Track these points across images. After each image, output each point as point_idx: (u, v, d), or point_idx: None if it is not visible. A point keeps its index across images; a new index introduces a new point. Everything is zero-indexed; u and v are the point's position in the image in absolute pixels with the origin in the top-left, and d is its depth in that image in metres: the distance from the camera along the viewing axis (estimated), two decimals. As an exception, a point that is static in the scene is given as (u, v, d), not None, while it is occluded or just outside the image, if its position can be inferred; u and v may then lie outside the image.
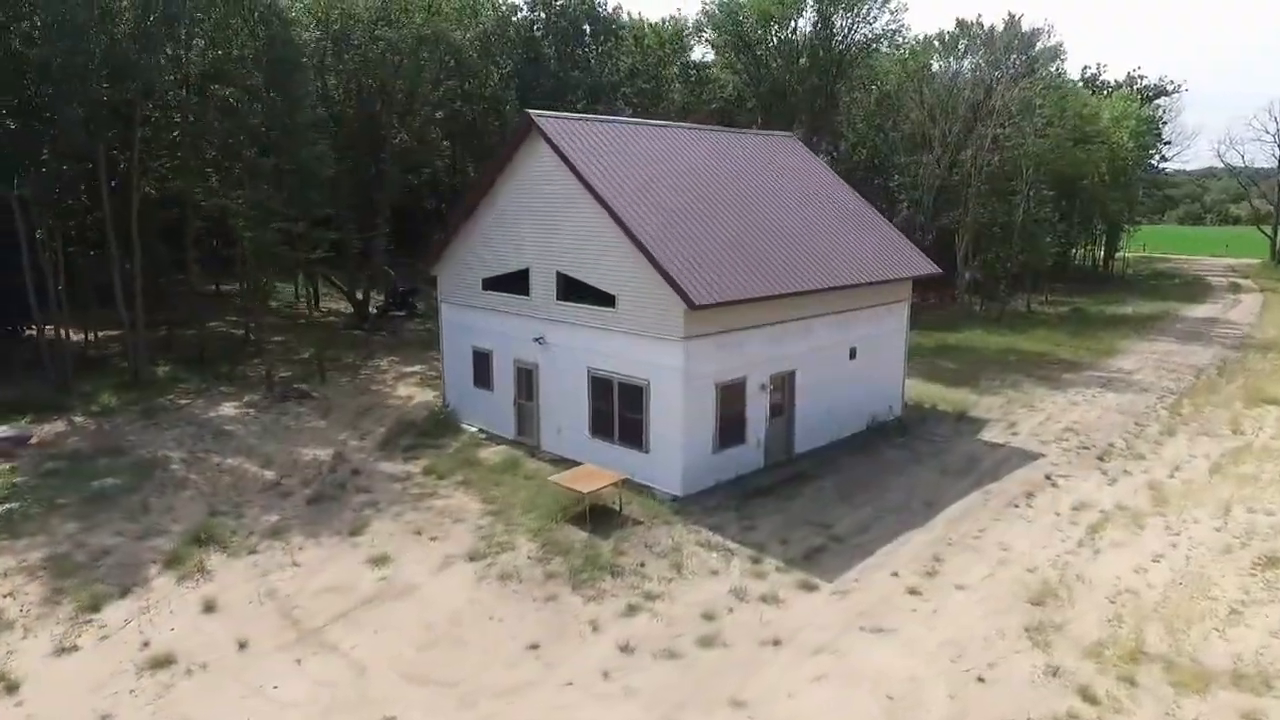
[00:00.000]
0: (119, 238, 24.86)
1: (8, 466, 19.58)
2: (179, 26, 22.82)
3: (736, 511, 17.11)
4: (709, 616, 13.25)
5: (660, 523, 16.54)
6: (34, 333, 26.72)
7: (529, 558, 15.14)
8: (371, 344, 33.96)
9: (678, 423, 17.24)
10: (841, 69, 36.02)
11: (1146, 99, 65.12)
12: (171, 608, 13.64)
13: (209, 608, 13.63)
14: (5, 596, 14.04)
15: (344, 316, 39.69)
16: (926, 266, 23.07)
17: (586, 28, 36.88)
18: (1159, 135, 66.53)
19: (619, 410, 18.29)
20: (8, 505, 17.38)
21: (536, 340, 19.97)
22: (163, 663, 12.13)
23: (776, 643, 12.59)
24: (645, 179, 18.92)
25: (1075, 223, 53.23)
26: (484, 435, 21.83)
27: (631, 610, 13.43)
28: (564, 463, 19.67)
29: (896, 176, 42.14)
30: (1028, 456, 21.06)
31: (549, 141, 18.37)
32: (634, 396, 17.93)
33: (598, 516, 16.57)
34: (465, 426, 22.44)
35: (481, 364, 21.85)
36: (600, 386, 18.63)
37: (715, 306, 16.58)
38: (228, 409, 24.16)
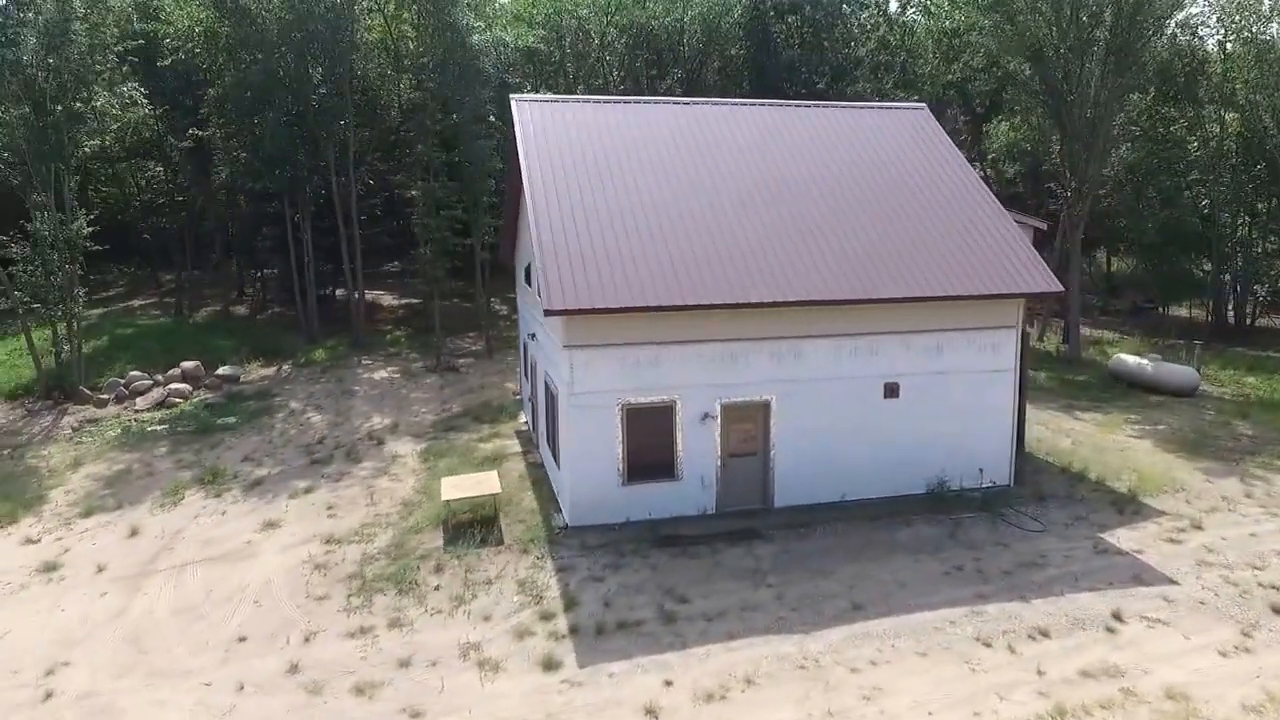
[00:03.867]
0: (345, 221, 30.07)
1: (201, 398, 25.41)
2: (345, 40, 26.54)
3: (611, 557, 14.58)
4: (404, 664, 11.81)
5: (519, 549, 14.96)
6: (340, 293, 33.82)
7: (364, 554, 15.02)
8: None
9: (568, 443, 15.29)
10: (1139, 14, 26.08)
11: None
12: (116, 528, 16.69)
13: (133, 533, 16.35)
14: (67, 493, 18.59)
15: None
16: (1040, 283, 16.35)
17: (845, 6, 32.58)
18: None
19: (550, 420, 16.85)
20: (156, 426, 22.71)
21: (530, 336, 19.25)
22: (50, 568, 15.00)
23: (417, 715, 10.79)
24: (612, 165, 16.80)
25: None
26: (526, 427, 21.76)
27: (361, 633, 12.58)
28: (540, 466, 18.83)
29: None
30: (1139, 578, 13.93)
31: (517, 123, 17.45)
32: (552, 407, 16.35)
33: (479, 528, 15.60)
34: (522, 416, 22.59)
35: (525, 356, 21.73)
36: (547, 391, 17.33)
37: (588, 313, 14.22)
38: (382, 373, 27.78)
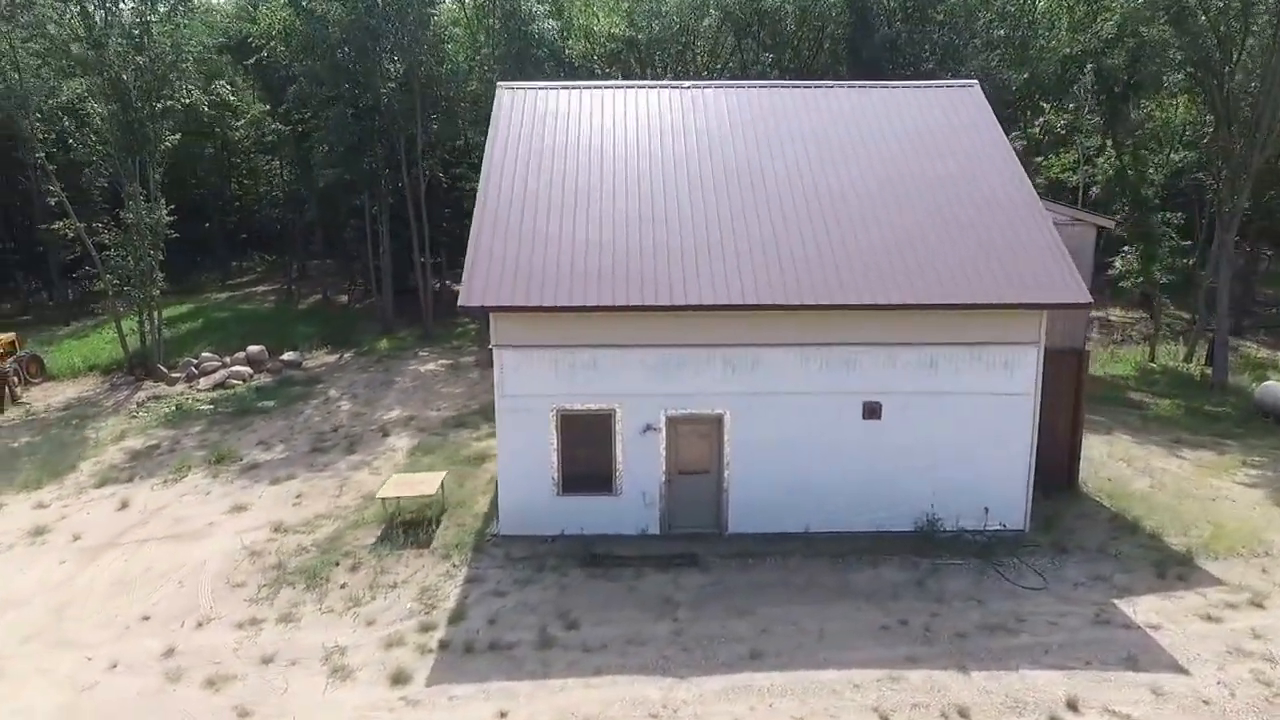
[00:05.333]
0: (416, 214, 30.87)
1: (256, 381, 26.74)
2: (408, 35, 26.96)
3: (527, 571, 13.74)
4: (267, 661, 11.60)
5: (441, 554, 14.41)
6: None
7: (299, 545, 15.01)
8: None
9: (500, 448, 14.55)
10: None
11: None
12: (114, 500, 17.68)
13: (123, 506, 17.28)
14: (96, 464, 20.04)
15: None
16: (1063, 293, 13.68)
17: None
18: None
19: (504, 423, 16.18)
20: (204, 406, 24.13)
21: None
22: (39, 533, 16.10)
23: (245, 715, 10.49)
24: (580, 153, 15.85)
25: None
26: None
27: (250, 624, 12.55)
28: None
29: None
30: (1133, 661, 11.38)
31: (495, 112, 16.87)
32: (500, 409, 15.66)
33: (416, 529, 15.19)
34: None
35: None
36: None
37: (506, 311, 13.43)
38: (431, 366, 28.14)
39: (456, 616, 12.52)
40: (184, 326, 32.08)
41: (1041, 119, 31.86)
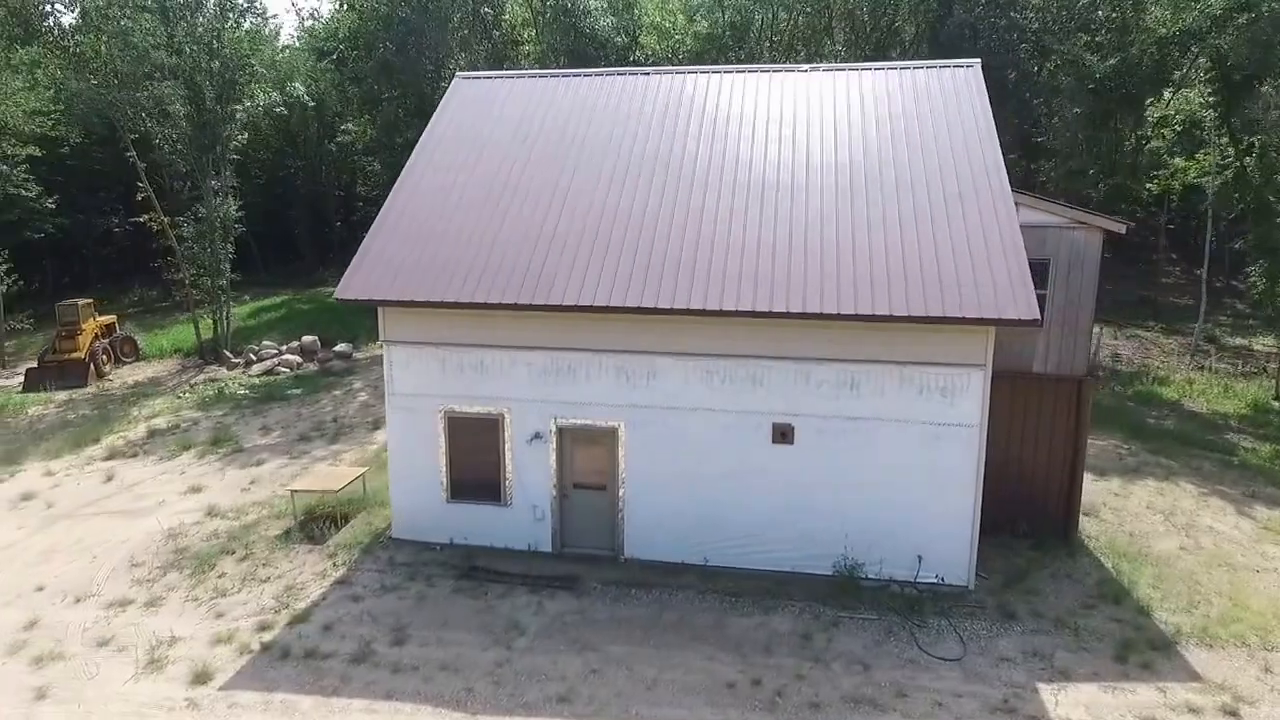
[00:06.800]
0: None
1: (301, 369, 27.87)
2: (454, 32, 27.14)
3: (399, 578, 13.14)
4: (102, 644, 11.71)
5: (329, 553, 14.09)
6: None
7: (214, 531, 15.22)
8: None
9: (390, 448, 14.03)
10: None
11: None
12: (107, 472, 18.85)
13: (108, 479, 18.38)
14: (119, 438, 21.52)
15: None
16: (1009, 307, 11.25)
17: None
18: None
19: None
20: (240, 390, 25.41)
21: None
22: (25, 498, 17.42)
23: (41, 697, 10.57)
24: (515, 145, 15.03)
25: None
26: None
27: (117, 605, 12.78)
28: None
29: None
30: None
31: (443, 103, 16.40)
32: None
33: (325, 523, 15.01)
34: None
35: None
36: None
37: (387, 305, 12.91)
38: (465, 362, 28.24)
39: (299, 619, 12.14)
40: (266, 316, 34.23)
41: (1158, 114, 27.52)
